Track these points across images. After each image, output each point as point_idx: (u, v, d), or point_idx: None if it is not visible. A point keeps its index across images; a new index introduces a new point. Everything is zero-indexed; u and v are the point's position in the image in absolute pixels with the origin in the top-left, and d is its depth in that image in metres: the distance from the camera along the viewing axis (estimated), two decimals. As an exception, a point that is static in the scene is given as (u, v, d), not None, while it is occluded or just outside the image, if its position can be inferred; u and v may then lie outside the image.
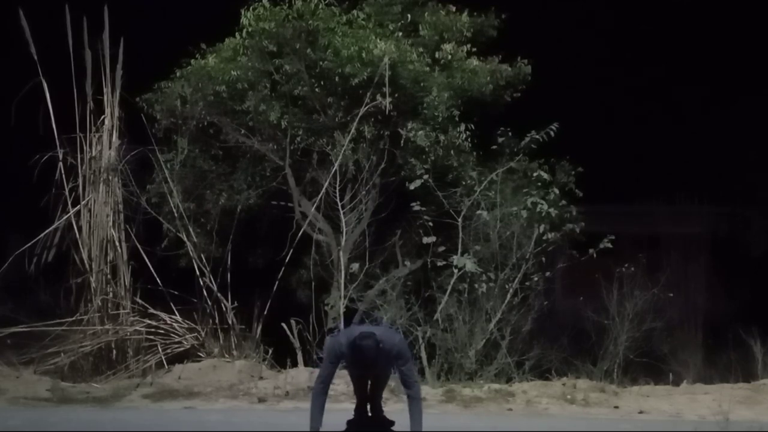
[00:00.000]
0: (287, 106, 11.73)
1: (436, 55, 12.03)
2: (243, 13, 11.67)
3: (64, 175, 11.26)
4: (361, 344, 6.10)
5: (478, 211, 11.19)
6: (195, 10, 13.71)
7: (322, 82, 11.81)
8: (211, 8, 12.89)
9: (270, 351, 10.86)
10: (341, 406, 8.27)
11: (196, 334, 10.86)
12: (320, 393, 6.37)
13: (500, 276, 10.90)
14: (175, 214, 11.46)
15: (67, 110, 11.33)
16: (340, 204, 11.36)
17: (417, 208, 11.25)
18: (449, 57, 12.00)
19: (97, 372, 10.54)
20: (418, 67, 11.62)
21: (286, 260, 11.06)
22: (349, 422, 6.99)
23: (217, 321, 10.90)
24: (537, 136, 11.36)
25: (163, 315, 10.88)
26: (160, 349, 10.59)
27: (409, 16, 12.21)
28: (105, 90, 11.44)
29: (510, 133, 11.42)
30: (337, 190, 11.35)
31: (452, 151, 11.55)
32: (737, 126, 14.82)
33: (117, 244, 11.25)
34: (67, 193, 11.20)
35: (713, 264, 13.69)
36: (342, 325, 10.78)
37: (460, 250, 11.09)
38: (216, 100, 11.92)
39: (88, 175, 11.32)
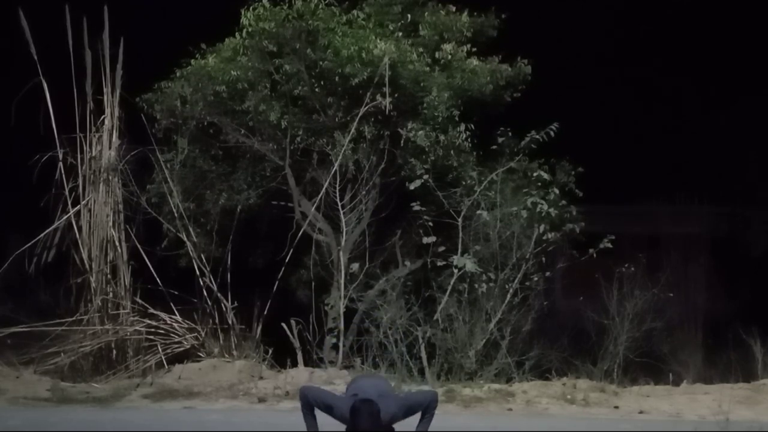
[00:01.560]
0: (287, 106, 11.72)
1: (436, 55, 12.02)
2: (243, 13, 11.67)
3: (64, 175, 11.25)
4: (361, 408, 5.95)
5: (478, 211, 11.18)
6: (195, 10, 13.72)
7: (322, 82, 11.80)
8: (211, 8, 12.90)
9: (270, 351, 10.85)
10: (341, 406, 8.25)
11: (196, 334, 10.85)
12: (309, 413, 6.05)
13: (500, 276, 10.89)
14: (175, 214, 11.46)
15: (67, 110, 11.31)
16: (340, 204, 11.36)
17: (417, 208, 11.24)
18: (449, 57, 11.99)
19: (97, 372, 10.53)
20: (418, 67, 11.61)
21: (286, 260, 11.05)
22: None
23: (217, 321, 10.90)
24: (537, 136, 11.35)
25: (163, 315, 10.87)
26: (160, 349, 10.58)
27: (409, 16, 12.21)
28: (105, 90, 11.43)
29: (510, 133, 11.40)
30: (337, 190, 11.35)
31: (452, 151, 11.54)
32: (737, 126, 14.83)
33: (117, 244, 11.23)
34: (67, 193, 11.19)
35: (713, 264, 13.69)
36: (342, 326, 10.80)
37: (460, 250, 11.09)
38: (216, 100, 11.92)
39: (88, 175, 11.31)
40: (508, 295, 10.85)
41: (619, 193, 14.26)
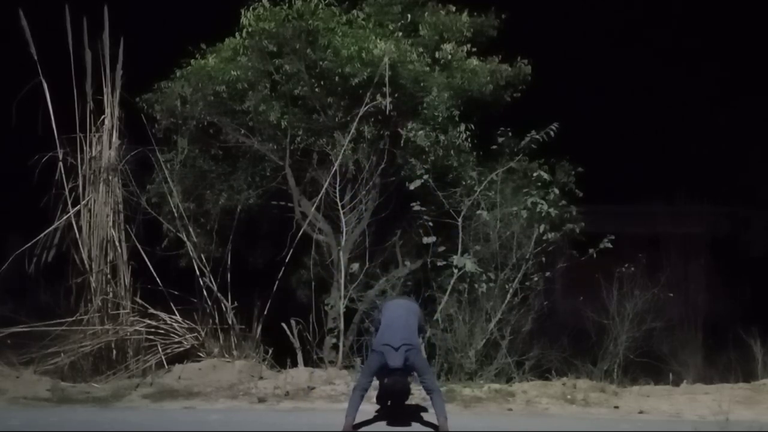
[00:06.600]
0: (287, 106, 11.72)
1: (436, 55, 12.03)
2: (243, 13, 11.68)
3: (64, 175, 11.23)
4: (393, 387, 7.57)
5: (478, 211, 11.18)
6: (195, 10, 13.73)
7: (322, 82, 11.80)
8: (211, 8, 12.91)
9: (270, 351, 10.85)
10: (341, 406, 8.27)
11: (196, 334, 10.83)
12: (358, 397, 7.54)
13: (500, 276, 10.89)
14: (175, 214, 11.45)
15: (67, 110, 11.30)
16: (340, 204, 11.35)
17: (417, 208, 11.23)
18: (449, 57, 12.00)
19: (97, 372, 10.51)
20: (418, 67, 11.61)
21: (286, 260, 11.05)
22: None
23: (217, 321, 10.88)
24: (537, 136, 11.35)
25: (163, 315, 10.85)
26: (160, 349, 10.57)
27: (409, 16, 12.21)
28: (105, 90, 11.41)
29: (510, 133, 11.41)
30: (337, 190, 11.34)
31: (452, 151, 11.54)
32: (737, 126, 14.85)
33: (117, 244, 11.22)
34: (67, 193, 11.18)
35: (713, 264, 13.69)
36: (342, 326, 10.80)
37: (460, 250, 11.09)
38: (216, 100, 11.92)
39: (88, 175, 11.29)
40: (508, 295, 10.85)
41: (619, 193, 14.28)
